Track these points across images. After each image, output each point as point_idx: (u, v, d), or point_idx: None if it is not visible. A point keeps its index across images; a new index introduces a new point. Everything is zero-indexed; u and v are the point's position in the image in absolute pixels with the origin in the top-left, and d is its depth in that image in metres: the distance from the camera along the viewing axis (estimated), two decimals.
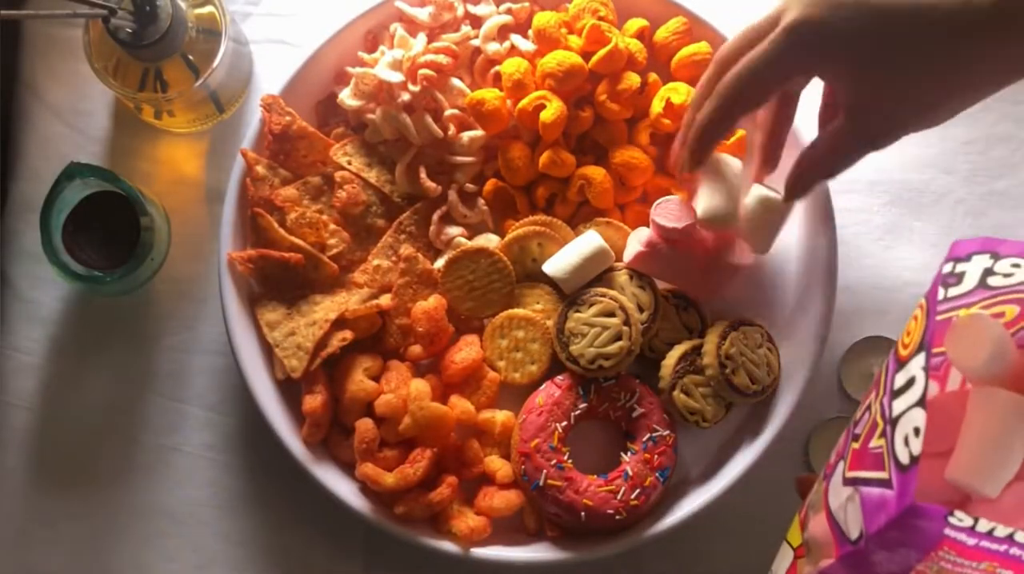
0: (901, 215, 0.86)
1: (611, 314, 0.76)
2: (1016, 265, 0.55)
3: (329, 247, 0.81)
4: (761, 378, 0.77)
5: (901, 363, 0.52)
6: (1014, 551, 0.46)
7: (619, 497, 0.75)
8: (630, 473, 0.76)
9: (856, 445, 0.55)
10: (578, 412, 0.77)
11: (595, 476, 0.76)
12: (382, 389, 0.77)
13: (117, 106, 0.87)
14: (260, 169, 0.80)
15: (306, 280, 0.80)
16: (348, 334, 0.78)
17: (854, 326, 0.83)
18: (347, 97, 0.82)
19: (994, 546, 0.46)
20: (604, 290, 0.77)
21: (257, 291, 0.81)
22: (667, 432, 0.77)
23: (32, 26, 0.87)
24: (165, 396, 0.84)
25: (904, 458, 0.48)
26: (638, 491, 0.75)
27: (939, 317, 0.51)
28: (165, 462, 0.83)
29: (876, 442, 0.52)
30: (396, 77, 0.80)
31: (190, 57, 0.78)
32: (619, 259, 0.80)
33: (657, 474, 0.76)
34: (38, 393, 0.83)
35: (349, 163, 0.82)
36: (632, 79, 0.80)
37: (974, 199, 0.87)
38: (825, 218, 0.80)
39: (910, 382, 0.51)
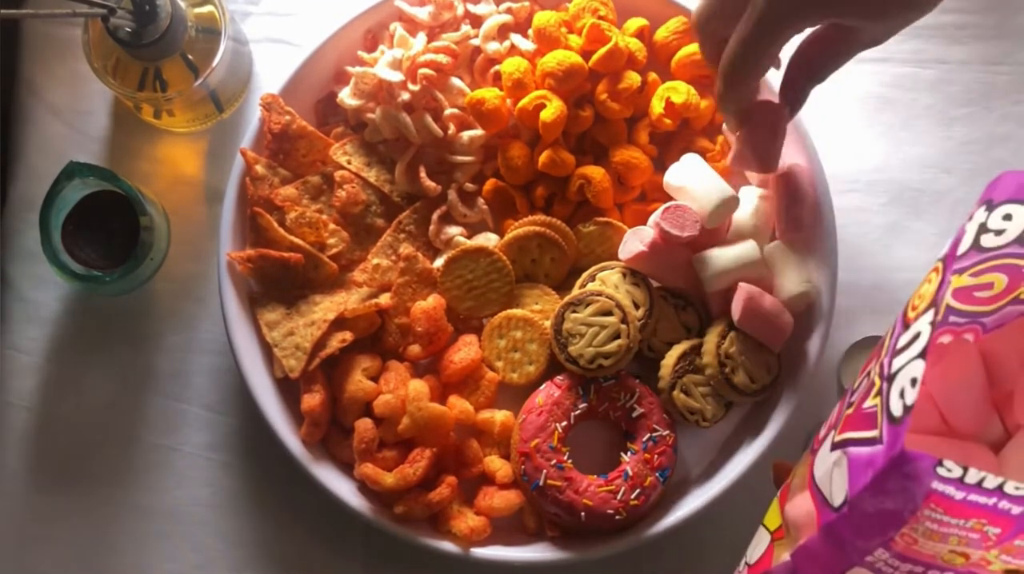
0: (901, 215, 0.86)
1: (608, 313, 0.76)
2: (1007, 217, 0.53)
3: (329, 247, 0.81)
4: (761, 377, 0.77)
5: (907, 325, 0.51)
6: (1003, 505, 0.44)
7: (619, 497, 0.75)
8: (630, 473, 0.76)
9: (850, 411, 0.53)
10: (578, 412, 0.77)
11: (595, 476, 0.76)
12: (381, 389, 0.77)
13: (117, 106, 0.87)
14: (260, 168, 0.80)
15: (306, 280, 0.80)
16: (348, 335, 0.78)
17: (854, 326, 0.83)
18: (347, 96, 0.82)
19: (983, 499, 0.44)
20: (599, 289, 0.77)
21: (256, 291, 0.81)
22: (667, 432, 0.77)
23: (31, 25, 0.87)
24: (165, 396, 0.84)
25: (897, 410, 0.47)
26: (638, 491, 0.75)
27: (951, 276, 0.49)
28: (165, 462, 0.83)
29: (871, 402, 0.51)
30: (396, 76, 0.80)
31: (189, 56, 0.78)
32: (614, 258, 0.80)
33: (657, 474, 0.76)
34: (38, 393, 0.83)
35: (349, 162, 0.82)
36: (632, 78, 0.79)
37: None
38: (824, 217, 0.80)
39: (915, 338, 0.49)
